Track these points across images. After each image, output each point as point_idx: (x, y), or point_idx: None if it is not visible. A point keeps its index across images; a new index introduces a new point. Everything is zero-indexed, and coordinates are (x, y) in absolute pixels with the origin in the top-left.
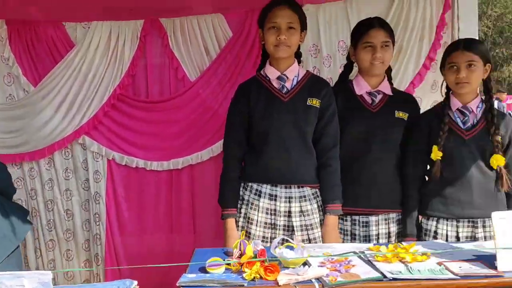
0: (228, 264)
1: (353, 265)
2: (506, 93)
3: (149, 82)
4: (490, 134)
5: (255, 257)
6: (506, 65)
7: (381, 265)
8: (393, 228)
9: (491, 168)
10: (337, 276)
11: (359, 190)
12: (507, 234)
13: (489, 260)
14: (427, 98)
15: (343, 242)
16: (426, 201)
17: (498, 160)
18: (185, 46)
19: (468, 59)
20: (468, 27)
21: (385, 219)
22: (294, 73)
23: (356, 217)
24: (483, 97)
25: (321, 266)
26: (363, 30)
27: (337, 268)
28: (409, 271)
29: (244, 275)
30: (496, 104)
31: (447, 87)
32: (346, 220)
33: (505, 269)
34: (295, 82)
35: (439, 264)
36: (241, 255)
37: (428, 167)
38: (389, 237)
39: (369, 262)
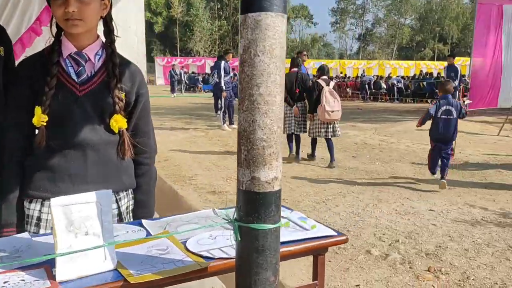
0: None
1: None
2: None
3: None
4: (110, 89)
5: None
6: None
7: None
8: None
9: (112, 132)
10: None
11: None
12: (73, 228)
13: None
14: None
15: None
16: (29, 179)
17: (119, 122)
18: None
19: None
20: None
21: None
22: None
23: None
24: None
25: None
26: None
27: None
28: None
29: None
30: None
31: (58, 26)
32: None
33: (64, 277)
34: None
35: None
36: None
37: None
38: None
39: None
